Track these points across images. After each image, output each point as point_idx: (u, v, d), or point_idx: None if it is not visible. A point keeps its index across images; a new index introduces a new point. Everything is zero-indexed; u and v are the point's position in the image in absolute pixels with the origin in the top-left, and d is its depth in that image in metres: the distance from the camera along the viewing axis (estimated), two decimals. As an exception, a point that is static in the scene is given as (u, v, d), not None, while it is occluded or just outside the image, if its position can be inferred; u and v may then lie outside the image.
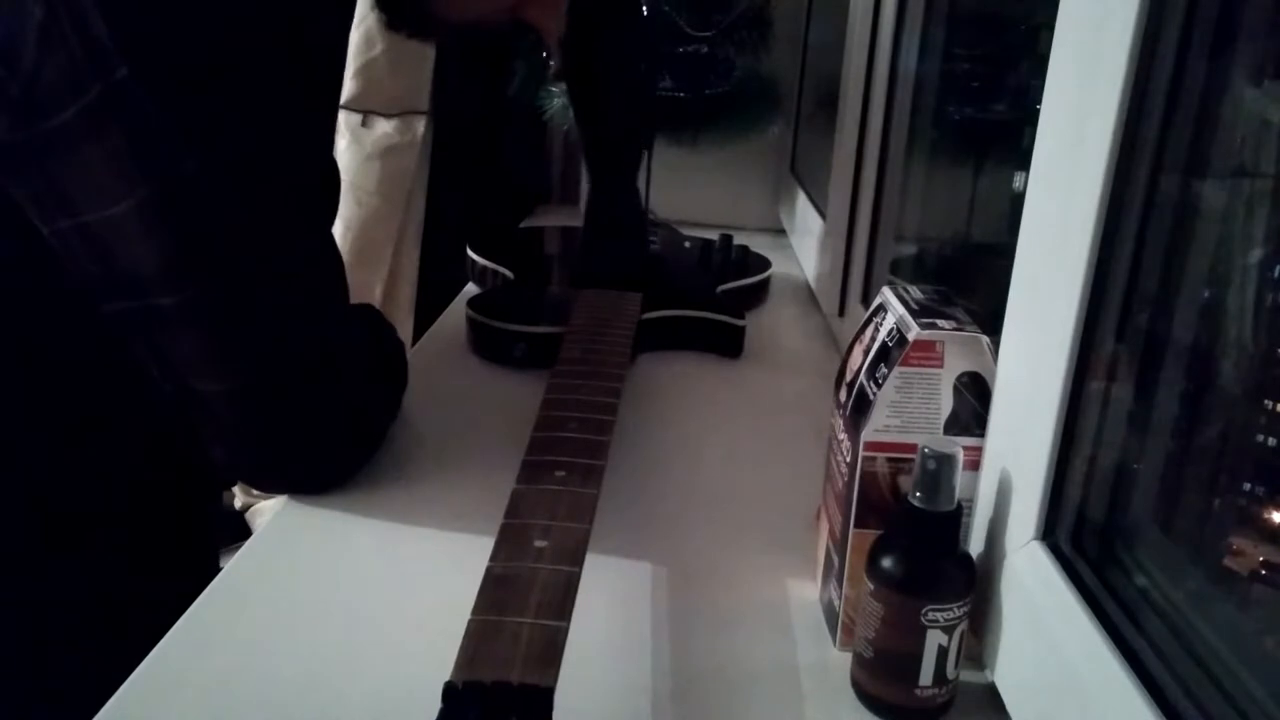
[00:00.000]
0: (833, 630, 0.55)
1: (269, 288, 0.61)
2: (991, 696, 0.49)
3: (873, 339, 0.54)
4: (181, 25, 0.55)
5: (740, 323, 1.00)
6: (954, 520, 0.48)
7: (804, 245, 1.32)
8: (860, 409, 0.52)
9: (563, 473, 0.57)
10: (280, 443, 0.65)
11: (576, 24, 0.85)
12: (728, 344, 1.00)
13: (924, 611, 0.47)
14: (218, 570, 0.59)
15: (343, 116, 1.46)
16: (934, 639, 0.47)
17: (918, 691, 0.48)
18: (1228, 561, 0.41)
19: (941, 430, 0.51)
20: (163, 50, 0.54)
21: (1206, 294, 0.42)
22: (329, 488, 0.68)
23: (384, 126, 1.45)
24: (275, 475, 0.68)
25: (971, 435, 0.51)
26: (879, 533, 0.50)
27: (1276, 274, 0.39)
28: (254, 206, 0.59)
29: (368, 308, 0.81)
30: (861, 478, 0.51)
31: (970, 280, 0.81)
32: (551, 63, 0.91)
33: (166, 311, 0.58)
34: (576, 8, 0.81)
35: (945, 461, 0.47)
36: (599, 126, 1.11)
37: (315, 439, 0.66)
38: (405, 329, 1.50)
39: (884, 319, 0.54)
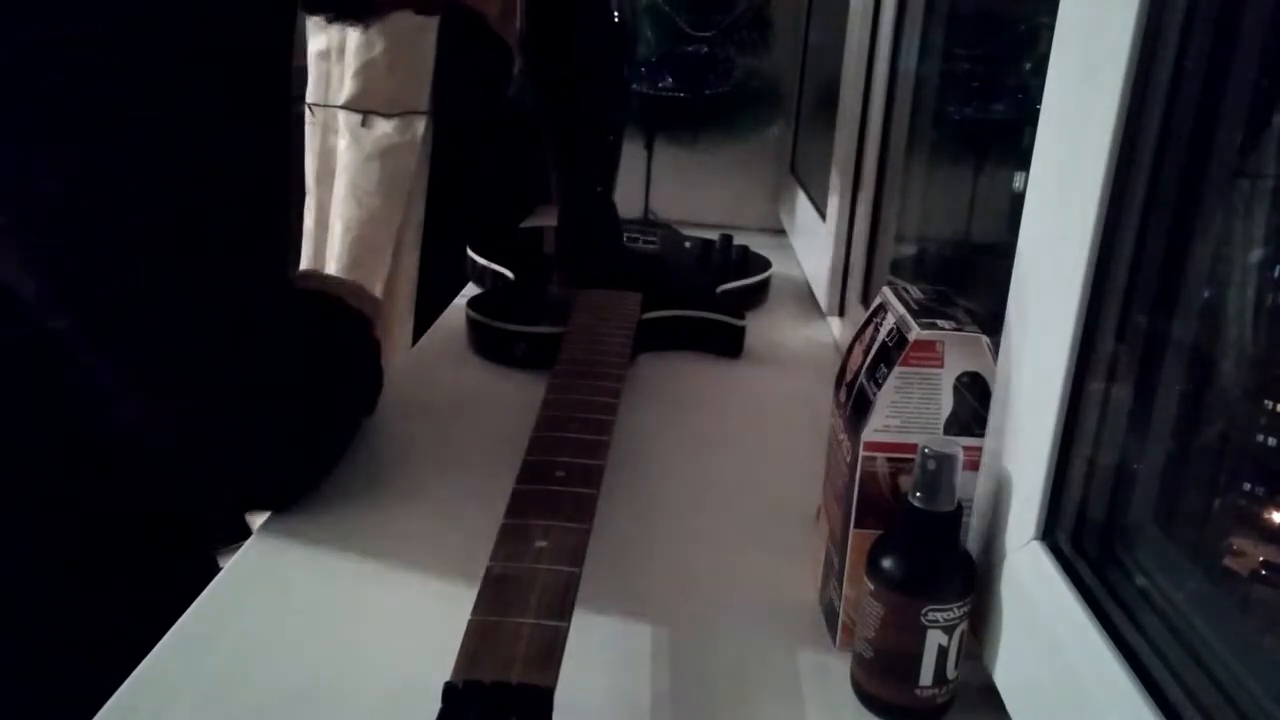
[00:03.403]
0: (833, 630, 0.55)
1: (167, 312, 0.55)
2: (991, 696, 0.49)
3: (873, 339, 0.54)
4: (32, 36, 0.49)
5: (740, 323, 1.00)
6: (954, 520, 0.48)
7: (804, 245, 1.32)
8: (860, 409, 0.52)
9: (563, 473, 0.57)
10: (217, 461, 0.60)
11: (540, 22, 0.82)
12: (728, 344, 1.00)
13: (924, 611, 0.47)
14: (217, 570, 0.59)
15: (342, 116, 1.46)
16: (934, 639, 0.47)
17: (918, 691, 0.48)
18: (1228, 561, 0.41)
19: (941, 430, 0.51)
20: (11, 66, 0.49)
21: (1206, 294, 0.42)
22: (282, 505, 0.65)
23: (384, 126, 1.45)
24: (222, 494, 0.64)
25: (971, 435, 0.51)
26: (879, 533, 0.50)
27: (1276, 274, 0.39)
28: (129, 225, 0.52)
29: (321, 300, 0.74)
30: (861, 478, 0.51)
31: (970, 280, 0.81)
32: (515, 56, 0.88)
33: (60, 337, 0.54)
34: (540, 8, 0.78)
35: (945, 461, 0.47)
36: (564, 135, 1.05)
37: (252, 456, 0.61)
38: (405, 329, 1.50)
39: (884, 319, 0.54)
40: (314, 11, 0.72)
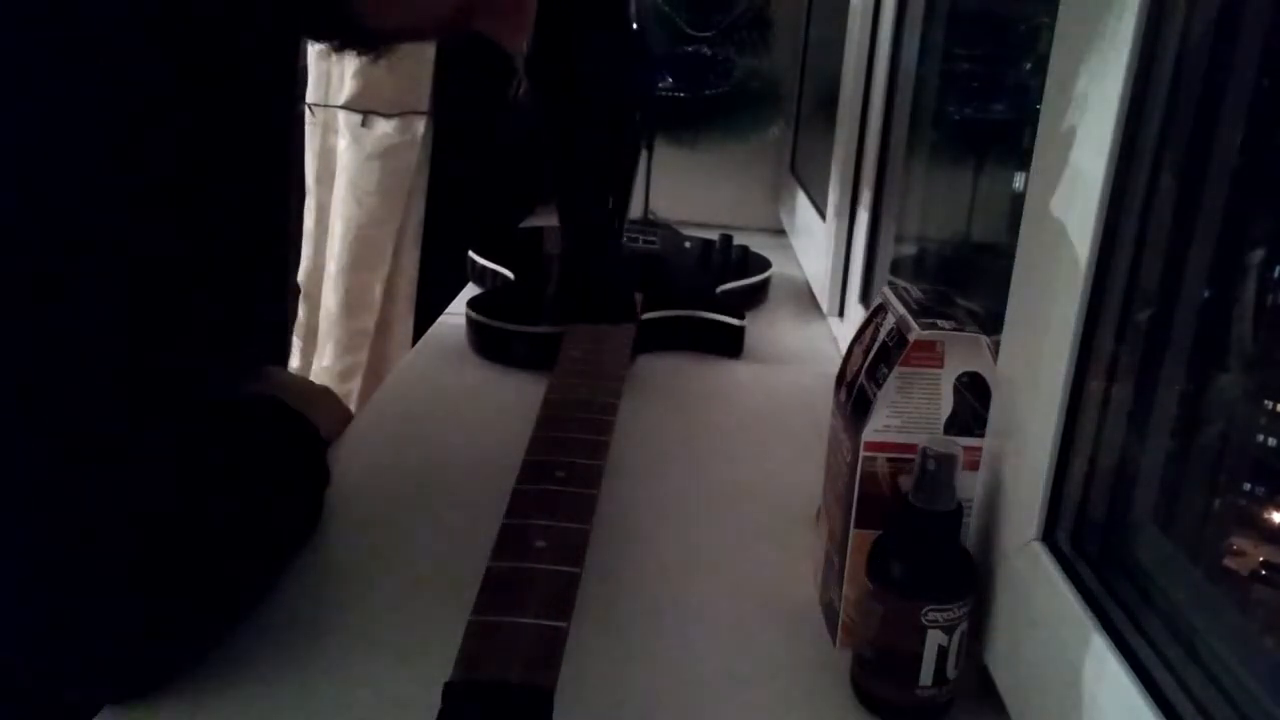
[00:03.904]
0: (833, 630, 0.55)
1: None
2: (991, 696, 0.49)
3: (873, 339, 0.54)
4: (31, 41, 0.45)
5: (740, 323, 1.00)
6: (954, 520, 0.48)
7: (804, 245, 1.32)
8: (860, 409, 0.52)
9: (563, 473, 0.57)
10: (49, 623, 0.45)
11: (548, 43, 0.76)
12: (728, 344, 1.00)
13: (924, 611, 0.47)
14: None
15: (342, 116, 1.46)
16: (934, 639, 0.47)
17: (918, 691, 0.48)
18: (1228, 561, 0.41)
19: (941, 430, 0.51)
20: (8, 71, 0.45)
21: (1206, 294, 0.42)
22: (127, 690, 0.48)
23: (384, 126, 1.45)
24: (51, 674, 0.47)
25: (971, 435, 0.51)
26: (879, 533, 0.50)
27: (1276, 274, 0.39)
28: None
29: (260, 411, 0.60)
30: (861, 478, 0.51)
31: (970, 280, 0.81)
32: (520, 81, 0.81)
33: None
34: (548, 24, 0.73)
35: (945, 461, 0.47)
36: (570, 169, 0.99)
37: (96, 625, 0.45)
38: (405, 329, 1.50)
39: (884, 319, 0.54)
40: (318, 40, 0.69)
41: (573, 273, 1.06)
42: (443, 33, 0.64)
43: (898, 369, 0.50)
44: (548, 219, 1.46)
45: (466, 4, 0.63)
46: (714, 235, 1.26)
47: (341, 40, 0.66)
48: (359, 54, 0.67)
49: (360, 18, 0.63)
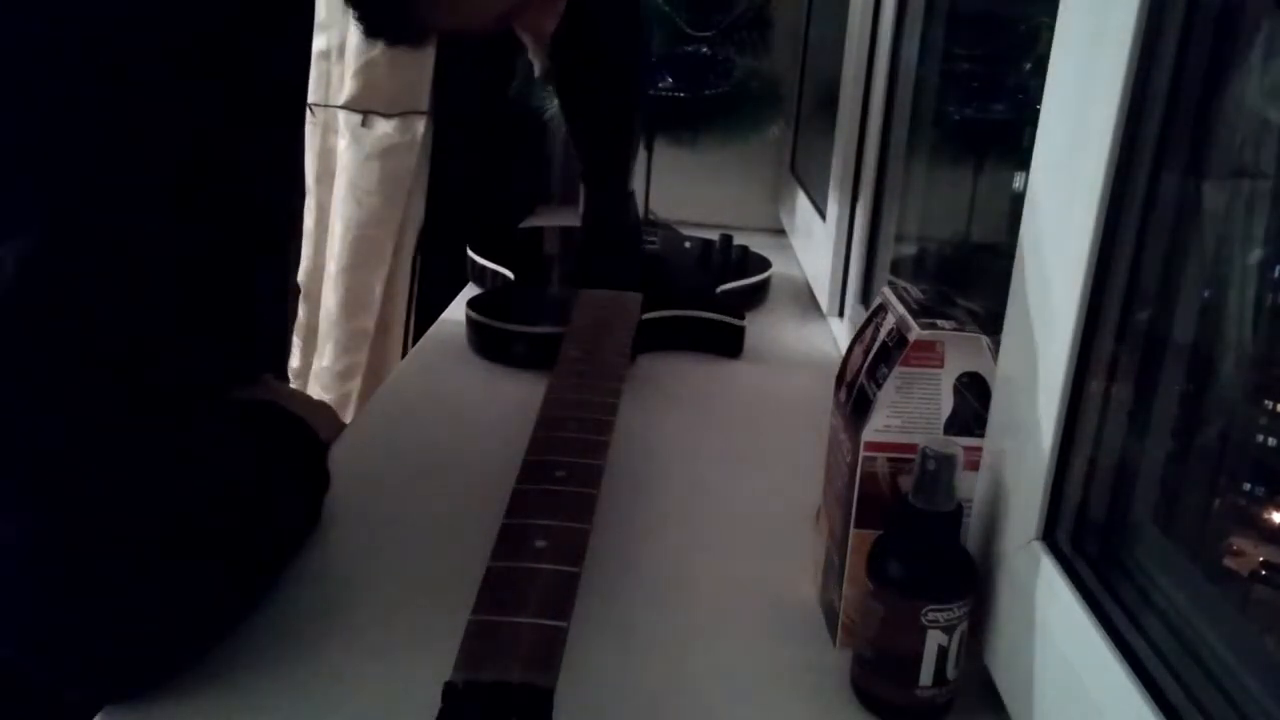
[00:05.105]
0: (833, 630, 0.55)
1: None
2: (991, 696, 0.49)
3: (873, 339, 0.54)
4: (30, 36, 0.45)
5: (740, 323, 1.00)
6: (954, 520, 0.48)
7: (804, 245, 1.32)
8: (860, 409, 0.52)
9: (563, 473, 0.57)
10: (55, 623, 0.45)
11: (568, 23, 0.81)
12: (728, 344, 1.00)
13: (924, 611, 0.47)
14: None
15: (342, 116, 1.47)
16: (934, 639, 0.47)
17: (918, 691, 0.48)
18: (1228, 561, 0.41)
19: (941, 430, 0.51)
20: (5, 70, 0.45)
21: (1206, 294, 0.42)
22: (127, 689, 0.48)
23: (384, 126, 1.45)
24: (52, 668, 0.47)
25: (971, 435, 0.51)
26: (879, 533, 0.50)
27: (1276, 274, 0.39)
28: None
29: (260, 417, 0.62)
30: (861, 478, 0.51)
31: (970, 280, 0.82)
32: (536, 63, 0.86)
33: None
34: (569, 7, 0.78)
35: (945, 461, 0.47)
36: (590, 130, 1.07)
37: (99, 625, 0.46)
38: (404, 329, 1.51)
39: (884, 319, 0.54)
40: (375, 38, 0.71)
41: (590, 231, 1.12)
42: (489, 31, 0.68)
43: (898, 369, 0.50)
44: (548, 219, 1.46)
45: (517, 7, 0.66)
46: (714, 235, 1.26)
47: (394, 38, 0.69)
48: (404, 46, 0.70)
49: (422, 20, 0.66)
